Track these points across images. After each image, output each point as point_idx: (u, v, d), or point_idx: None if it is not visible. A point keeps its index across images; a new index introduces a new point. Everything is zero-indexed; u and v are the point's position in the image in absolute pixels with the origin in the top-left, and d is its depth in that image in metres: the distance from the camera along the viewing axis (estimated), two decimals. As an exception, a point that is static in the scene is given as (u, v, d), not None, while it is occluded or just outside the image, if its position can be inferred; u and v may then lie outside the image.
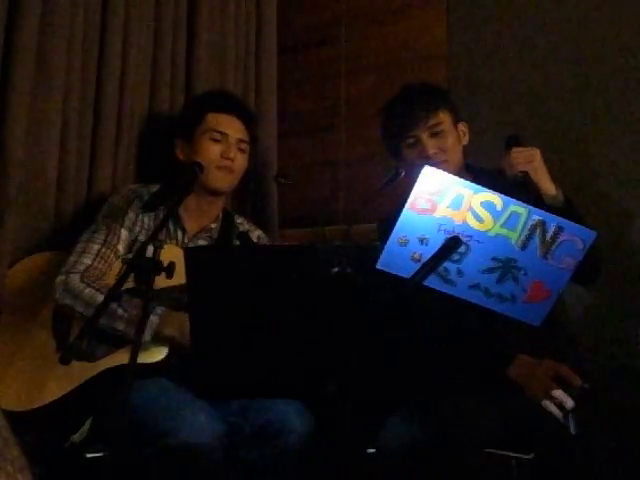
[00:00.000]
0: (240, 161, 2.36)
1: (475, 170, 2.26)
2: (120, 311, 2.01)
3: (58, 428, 2.04)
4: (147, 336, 1.98)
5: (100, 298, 2.03)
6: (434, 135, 2.19)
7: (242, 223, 2.47)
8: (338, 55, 3.18)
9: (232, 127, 2.35)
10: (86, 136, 2.49)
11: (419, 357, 1.53)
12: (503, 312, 1.40)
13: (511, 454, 1.98)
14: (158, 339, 2.00)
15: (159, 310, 2.01)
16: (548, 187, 2.02)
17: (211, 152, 2.31)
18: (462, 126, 2.29)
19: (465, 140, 2.29)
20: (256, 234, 2.47)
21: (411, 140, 2.20)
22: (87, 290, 2.07)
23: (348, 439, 1.92)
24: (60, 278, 2.12)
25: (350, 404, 1.94)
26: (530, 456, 1.96)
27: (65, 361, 2.04)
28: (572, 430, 1.53)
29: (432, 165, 2.12)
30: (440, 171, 1.35)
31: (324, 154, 3.16)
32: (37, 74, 2.29)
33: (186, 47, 2.85)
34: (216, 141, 2.32)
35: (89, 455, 2.01)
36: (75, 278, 2.10)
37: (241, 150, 2.36)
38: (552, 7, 2.80)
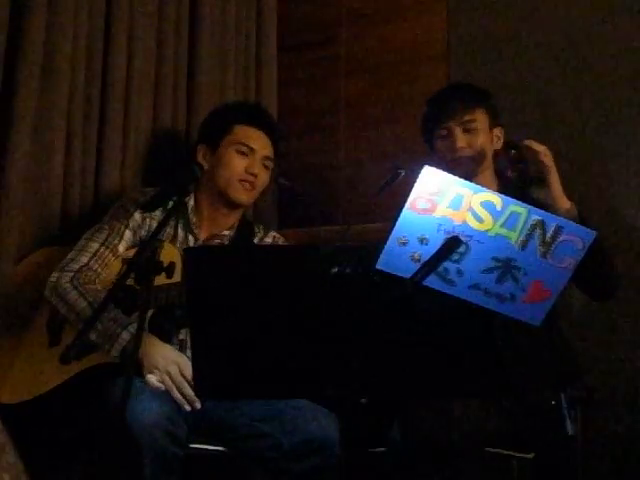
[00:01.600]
0: (263, 178, 2.32)
1: (504, 177, 2.26)
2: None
3: (52, 422, 2.05)
4: (114, 352, 1.98)
5: (83, 304, 2.05)
6: (466, 131, 2.22)
7: (260, 231, 2.42)
8: (338, 55, 3.18)
9: (260, 143, 2.32)
10: (92, 136, 2.50)
11: (419, 357, 1.53)
12: (503, 312, 1.40)
13: (511, 454, 1.98)
14: (125, 357, 1.98)
15: (132, 329, 1.99)
16: (563, 200, 2.05)
17: (236, 165, 2.27)
18: (498, 131, 2.31)
19: (498, 145, 2.30)
20: (271, 235, 2.43)
21: (444, 132, 2.24)
22: (73, 293, 2.08)
23: (351, 439, 1.93)
24: (54, 275, 2.13)
25: (351, 405, 1.95)
26: (530, 456, 1.96)
27: (65, 361, 2.06)
28: (569, 431, 1.53)
29: (458, 159, 2.18)
30: (440, 171, 1.35)
31: (324, 154, 3.16)
32: (42, 75, 2.30)
33: (187, 47, 2.86)
34: (242, 154, 2.29)
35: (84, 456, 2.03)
36: (66, 277, 2.11)
37: (265, 167, 2.33)
38: (553, 7, 2.80)
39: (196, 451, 2.04)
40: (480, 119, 2.24)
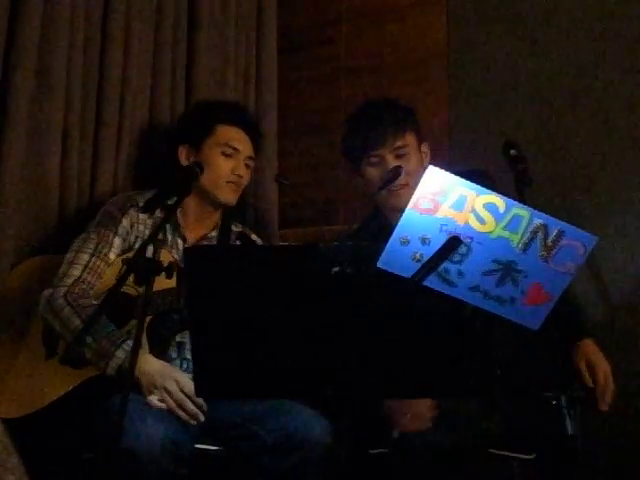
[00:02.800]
0: (246, 177, 2.37)
1: None
2: (89, 339, 1.99)
3: (52, 432, 2.05)
4: (110, 370, 1.97)
5: (76, 322, 2.02)
6: (399, 157, 2.18)
7: (239, 230, 2.46)
8: (338, 55, 3.18)
9: (243, 143, 2.35)
10: (88, 138, 2.49)
11: (420, 356, 1.54)
12: (502, 315, 1.40)
13: (511, 454, 1.98)
14: (122, 373, 1.97)
15: (127, 346, 1.98)
16: None
17: (222, 167, 2.30)
18: (424, 147, 2.28)
19: (426, 161, 2.25)
20: (252, 237, 2.47)
21: (375, 159, 2.19)
22: (66, 310, 2.05)
23: (350, 439, 1.93)
24: (47, 291, 2.11)
25: (351, 405, 1.95)
26: (531, 456, 1.96)
27: (65, 361, 2.06)
28: (570, 430, 1.53)
29: (395, 190, 2.13)
30: (444, 171, 1.35)
31: (324, 154, 3.16)
32: (38, 77, 2.30)
33: (186, 47, 2.85)
34: (227, 156, 2.31)
35: (86, 456, 2.02)
36: (60, 293, 2.09)
37: (247, 166, 2.37)
38: (553, 7, 2.80)
39: (197, 451, 2.04)
40: (410, 142, 2.21)
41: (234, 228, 2.45)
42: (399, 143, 2.17)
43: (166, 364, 2.05)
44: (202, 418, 1.98)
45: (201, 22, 2.87)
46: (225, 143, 2.31)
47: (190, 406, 1.96)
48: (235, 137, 2.34)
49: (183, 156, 2.34)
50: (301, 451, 1.94)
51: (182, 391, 1.96)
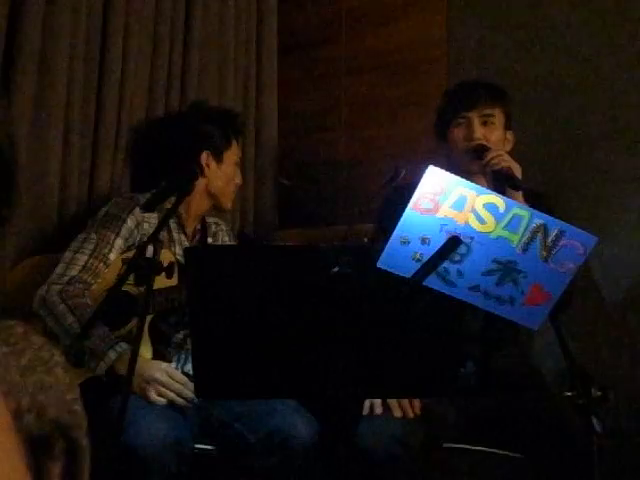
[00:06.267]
0: None
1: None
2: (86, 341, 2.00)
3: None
4: (99, 370, 1.98)
5: (70, 319, 2.03)
6: (484, 124, 2.24)
7: (214, 223, 2.55)
8: (338, 55, 3.18)
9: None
10: (88, 138, 2.49)
11: (422, 356, 1.54)
12: (501, 315, 1.40)
13: (510, 454, 1.98)
14: (111, 374, 1.99)
15: (119, 348, 1.99)
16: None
17: (235, 177, 2.46)
18: (509, 135, 2.33)
19: (508, 147, 2.30)
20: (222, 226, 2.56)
21: (462, 120, 2.25)
22: (61, 307, 2.06)
23: (349, 438, 1.93)
24: (42, 288, 2.11)
25: (350, 404, 1.95)
26: (529, 456, 1.96)
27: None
28: (597, 429, 1.52)
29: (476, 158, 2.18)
30: (444, 171, 1.35)
31: (324, 154, 3.16)
32: (39, 77, 2.30)
33: (185, 48, 2.84)
34: (236, 167, 2.48)
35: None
36: (55, 290, 2.09)
37: None
38: (552, 7, 2.80)
39: (196, 450, 2.05)
40: (498, 116, 2.27)
41: (208, 221, 2.53)
42: (488, 111, 2.24)
43: (149, 360, 2.06)
44: (191, 395, 1.99)
45: (200, 22, 2.87)
46: (238, 159, 2.47)
47: (178, 386, 1.99)
48: (240, 152, 2.50)
49: (204, 161, 2.39)
50: (284, 450, 1.96)
51: (173, 378, 1.99)
